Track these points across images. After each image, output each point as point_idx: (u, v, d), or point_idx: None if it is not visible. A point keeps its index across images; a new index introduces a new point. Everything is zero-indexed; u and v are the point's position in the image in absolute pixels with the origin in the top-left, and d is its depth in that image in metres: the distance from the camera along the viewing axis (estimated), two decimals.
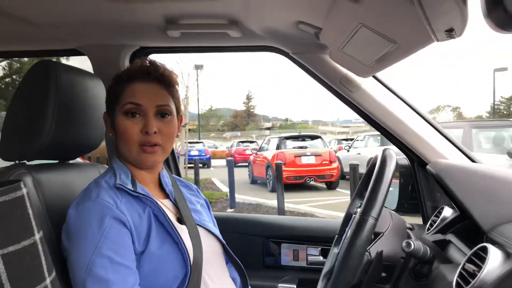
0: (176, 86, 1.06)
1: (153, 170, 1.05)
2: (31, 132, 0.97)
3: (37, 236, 0.60)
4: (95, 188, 0.92)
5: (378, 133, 1.47)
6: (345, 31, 1.01)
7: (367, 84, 1.38)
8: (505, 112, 54.68)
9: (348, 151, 12.40)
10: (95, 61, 1.49)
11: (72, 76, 1.05)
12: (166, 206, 1.02)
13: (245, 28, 1.28)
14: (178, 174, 1.78)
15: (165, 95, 1.00)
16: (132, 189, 0.94)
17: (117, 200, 0.91)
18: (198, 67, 15.33)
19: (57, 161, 1.13)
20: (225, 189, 10.01)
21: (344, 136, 27.60)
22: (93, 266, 0.82)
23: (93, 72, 1.44)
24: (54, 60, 1.13)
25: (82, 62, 1.50)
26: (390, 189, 1.52)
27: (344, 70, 1.37)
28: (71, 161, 1.17)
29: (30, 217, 0.61)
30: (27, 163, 1.02)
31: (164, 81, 1.01)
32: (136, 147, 0.96)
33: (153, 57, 1.09)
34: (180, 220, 1.01)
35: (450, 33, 0.68)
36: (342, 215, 1.28)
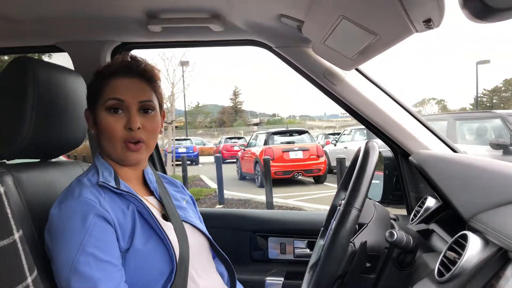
0: (159, 81, 1.05)
1: (136, 167, 1.04)
2: (10, 131, 0.95)
3: (17, 235, 0.59)
4: (77, 186, 0.91)
5: (364, 127, 1.48)
6: (326, 24, 1.01)
7: (350, 77, 1.38)
8: (488, 104, 55.67)
9: (335, 145, 12.48)
10: (75, 57, 1.47)
11: (51, 73, 1.03)
12: (151, 203, 1.02)
13: (227, 22, 1.28)
14: (164, 171, 1.77)
15: (148, 90, 0.99)
16: (115, 186, 0.93)
17: (100, 197, 0.90)
18: (183, 63, 15.20)
19: (39, 160, 1.11)
20: (214, 185, 10.00)
21: (331, 131, 27.74)
22: (77, 265, 0.81)
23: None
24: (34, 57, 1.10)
25: (69, 61, 1.48)
26: (375, 181, 1.54)
27: (327, 63, 1.38)
28: (53, 160, 1.15)
29: (8, 216, 0.59)
30: (7, 162, 1.00)
31: (147, 76, 1.00)
32: (120, 144, 0.95)
33: (135, 53, 1.08)
34: (166, 217, 1.01)
35: (428, 23, 0.69)
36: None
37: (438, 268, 0.78)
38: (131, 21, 1.27)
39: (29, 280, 0.60)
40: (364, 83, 1.40)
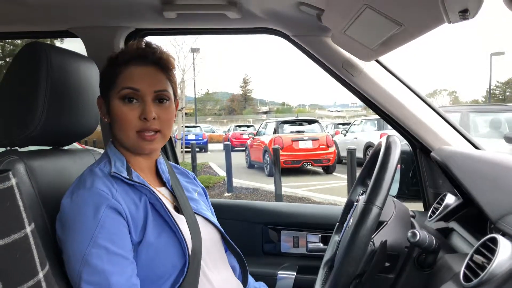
0: (174, 70, 1.02)
1: (150, 156, 1.01)
2: (23, 117, 0.93)
3: (28, 229, 0.57)
4: (89, 176, 0.89)
5: (375, 117, 1.45)
6: (348, 12, 0.97)
7: (369, 68, 1.34)
8: (500, 97, 54.73)
9: (345, 135, 12.39)
10: (88, 43, 1.44)
11: (64, 59, 1.01)
12: (163, 194, 0.99)
13: (244, 9, 1.24)
14: (176, 161, 1.75)
15: (163, 80, 0.96)
16: (128, 177, 0.91)
17: (113, 189, 0.88)
18: (194, 50, 15.13)
19: (51, 147, 1.09)
20: (223, 173, 10.01)
21: (341, 121, 27.58)
22: (89, 257, 0.80)
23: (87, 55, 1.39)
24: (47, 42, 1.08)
25: (81, 47, 1.45)
26: None
27: (346, 54, 1.33)
28: (65, 147, 1.13)
29: (20, 209, 0.57)
30: (19, 149, 0.98)
31: (162, 64, 0.97)
32: (134, 134, 0.92)
33: (148, 39, 1.04)
34: (177, 209, 0.99)
35: (464, 14, 0.64)
36: (339, 199, 1.26)
37: (464, 272, 0.75)
38: (146, 6, 1.24)
39: (41, 275, 0.58)
40: (384, 75, 1.35)
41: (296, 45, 1.41)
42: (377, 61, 1.35)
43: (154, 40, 1.09)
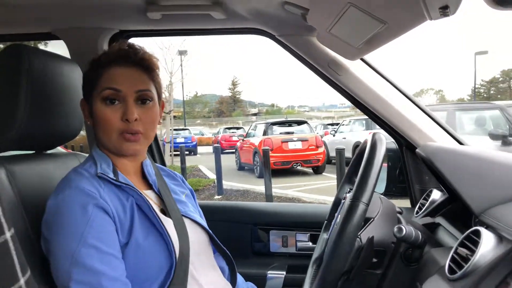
0: (157, 70, 1.01)
1: (135, 158, 1.00)
2: (3, 121, 0.92)
3: (8, 234, 0.56)
4: (75, 176, 0.88)
5: (364, 117, 1.46)
6: (333, 11, 0.97)
7: (355, 67, 1.35)
8: (485, 95, 55.55)
9: (333, 135, 12.45)
10: (71, 45, 1.42)
11: (46, 61, 0.99)
12: (149, 197, 0.98)
13: (229, 9, 1.24)
14: (163, 163, 1.74)
15: (146, 80, 0.95)
16: (114, 178, 0.90)
17: (100, 189, 0.87)
18: (182, 52, 15.07)
19: (33, 151, 1.08)
20: (212, 176, 9.98)
21: (329, 121, 27.71)
22: (79, 257, 0.78)
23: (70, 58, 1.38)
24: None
25: (65, 50, 1.43)
26: None
27: (331, 53, 1.34)
28: (48, 151, 1.12)
29: None
30: (0, 154, 0.97)
31: (144, 65, 0.96)
32: (116, 135, 0.91)
33: (133, 41, 1.04)
34: (164, 212, 0.98)
35: (445, 10, 0.65)
36: (329, 199, 1.27)
37: (449, 265, 0.75)
38: (129, 7, 1.23)
39: (22, 281, 0.57)
40: (369, 73, 1.36)
41: (282, 45, 1.42)
42: (363, 60, 1.36)
43: (139, 41, 1.09)
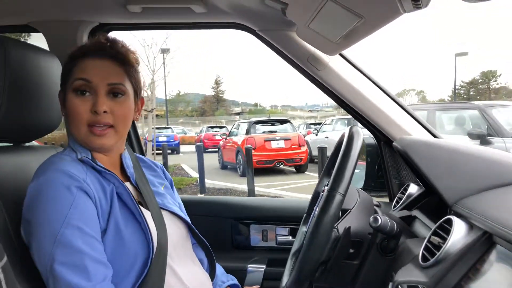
0: (135, 66, 1.00)
1: (109, 153, 0.99)
2: None
3: None
4: (57, 160, 0.87)
5: (346, 117, 1.48)
6: (311, 6, 0.98)
7: (334, 62, 1.37)
8: (465, 96, 56.66)
9: (316, 135, 12.54)
10: (50, 38, 1.40)
11: (24, 52, 0.98)
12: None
13: (210, 3, 1.24)
14: (142, 154, 1.73)
15: (120, 73, 0.94)
16: (98, 163, 0.90)
17: (83, 172, 0.87)
18: (164, 51, 14.91)
19: (11, 144, 1.06)
20: (195, 174, 9.94)
21: (312, 121, 27.87)
22: (63, 237, 0.78)
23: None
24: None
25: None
26: (356, 170, 1.54)
27: (311, 48, 1.35)
28: (26, 144, 1.10)
29: None
30: None
31: (119, 58, 0.95)
32: (85, 128, 0.90)
33: (114, 35, 1.03)
34: (142, 204, 0.98)
35: (417, 2, 0.67)
36: (311, 197, 1.28)
37: (423, 253, 0.77)
38: (109, 0, 1.22)
39: None
40: (348, 69, 1.38)
41: (263, 40, 1.42)
42: (342, 55, 1.38)
43: (120, 36, 1.08)
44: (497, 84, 56.79)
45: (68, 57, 0.95)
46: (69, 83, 0.92)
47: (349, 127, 1.00)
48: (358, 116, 1.41)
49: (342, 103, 1.41)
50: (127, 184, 1.00)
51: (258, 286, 1.33)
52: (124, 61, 0.96)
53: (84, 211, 0.82)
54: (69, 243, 0.78)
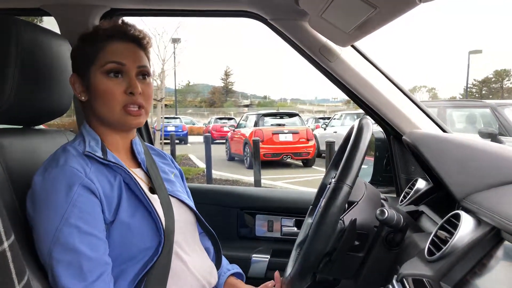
0: (150, 48, 1.03)
1: (127, 135, 1.00)
2: None
3: None
4: (63, 154, 0.88)
5: (355, 111, 1.47)
6: None
7: (346, 54, 1.35)
8: (477, 95, 56.02)
9: (324, 129, 12.48)
10: (62, 22, 1.40)
11: (36, 34, 0.97)
12: (138, 175, 0.99)
13: None
14: (151, 143, 1.73)
15: (143, 56, 0.98)
16: (102, 157, 0.90)
17: (86, 167, 0.86)
18: (175, 40, 14.91)
19: (21, 126, 1.07)
20: (202, 165, 9.97)
21: (321, 115, 27.75)
22: (60, 235, 0.79)
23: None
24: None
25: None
26: (364, 166, 1.54)
27: (323, 39, 1.34)
28: (36, 127, 1.11)
29: None
30: None
31: (140, 42, 0.98)
32: (120, 109, 0.92)
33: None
34: (152, 190, 0.98)
35: None
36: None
37: (429, 247, 0.77)
38: None
39: (6, 244, 0.57)
40: (360, 61, 1.37)
41: (274, 29, 1.41)
42: (354, 47, 1.36)
43: (132, 21, 1.08)
44: (511, 83, 56.04)
45: (85, 40, 0.95)
46: (96, 66, 0.92)
47: (359, 119, 0.99)
48: (368, 109, 1.40)
49: (352, 95, 1.40)
50: (138, 170, 1.01)
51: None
52: (144, 44, 0.99)
53: (84, 209, 0.83)
54: (65, 241, 0.79)
